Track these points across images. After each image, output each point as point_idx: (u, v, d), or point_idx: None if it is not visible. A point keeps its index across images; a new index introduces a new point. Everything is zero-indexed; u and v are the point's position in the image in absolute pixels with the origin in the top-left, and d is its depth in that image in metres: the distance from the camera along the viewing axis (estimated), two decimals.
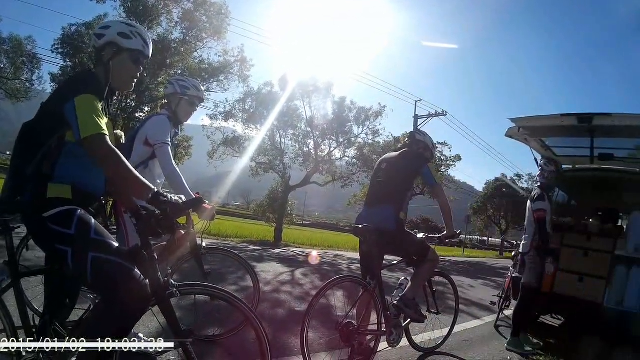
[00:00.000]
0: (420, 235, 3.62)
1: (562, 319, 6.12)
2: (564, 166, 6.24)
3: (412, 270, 3.57)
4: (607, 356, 4.08)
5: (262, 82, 18.77)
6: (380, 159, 3.84)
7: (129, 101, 16.84)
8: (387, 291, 3.41)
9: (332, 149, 19.12)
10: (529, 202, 4.67)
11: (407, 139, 3.93)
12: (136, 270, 1.75)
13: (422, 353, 3.80)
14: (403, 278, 3.61)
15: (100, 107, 1.82)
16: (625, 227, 5.75)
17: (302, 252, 13.74)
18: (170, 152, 2.99)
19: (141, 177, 1.79)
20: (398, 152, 3.69)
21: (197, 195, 3.08)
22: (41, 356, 1.80)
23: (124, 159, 1.76)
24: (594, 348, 4.29)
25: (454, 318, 4.23)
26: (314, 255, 12.71)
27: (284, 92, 17.49)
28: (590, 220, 5.84)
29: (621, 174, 5.83)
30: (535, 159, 5.78)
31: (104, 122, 1.80)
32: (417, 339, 3.85)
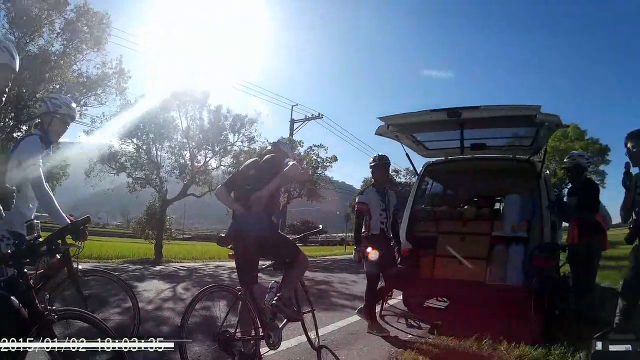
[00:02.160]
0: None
1: (447, 300, 6.40)
2: (434, 159, 6.50)
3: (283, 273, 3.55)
4: (492, 328, 4.26)
5: (139, 94, 17.64)
6: (244, 165, 3.71)
7: (7, 120, 14.89)
8: (262, 296, 3.36)
9: (208, 159, 18.66)
10: None
11: (270, 147, 4.04)
12: (13, 298, 1.77)
13: (311, 351, 3.81)
14: (273, 282, 3.52)
15: None
16: (502, 210, 6.29)
17: (183, 266, 13.31)
18: (42, 173, 2.95)
19: None
20: (264, 158, 3.61)
21: (71, 218, 3.00)
22: None
23: None
24: (479, 323, 4.46)
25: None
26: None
27: (161, 104, 16.73)
28: (466, 207, 6.27)
29: (494, 162, 6.21)
30: (407, 155, 6.10)
31: None
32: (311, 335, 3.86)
